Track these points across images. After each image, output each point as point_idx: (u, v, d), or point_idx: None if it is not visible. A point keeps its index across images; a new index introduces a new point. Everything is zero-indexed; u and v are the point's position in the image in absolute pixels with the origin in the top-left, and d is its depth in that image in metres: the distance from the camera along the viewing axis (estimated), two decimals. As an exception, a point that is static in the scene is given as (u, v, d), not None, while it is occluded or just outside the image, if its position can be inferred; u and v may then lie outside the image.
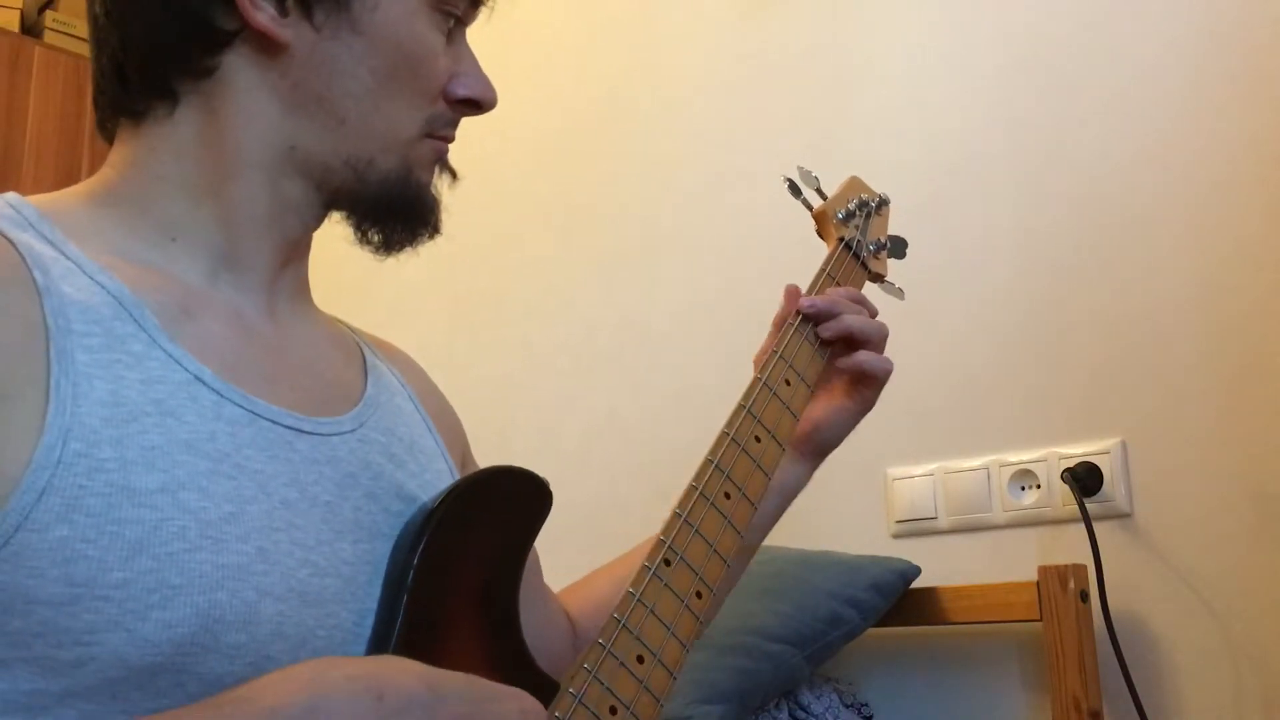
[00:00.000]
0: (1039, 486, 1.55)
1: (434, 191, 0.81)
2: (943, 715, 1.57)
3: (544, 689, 0.70)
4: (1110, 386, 1.53)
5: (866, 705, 1.58)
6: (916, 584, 1.55)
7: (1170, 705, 1.42)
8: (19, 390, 0.62)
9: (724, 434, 0.87)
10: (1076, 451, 1.52)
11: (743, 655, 1.43)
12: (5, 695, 0.61)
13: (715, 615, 0.98)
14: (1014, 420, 1.59)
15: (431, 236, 0.81)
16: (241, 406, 0.70)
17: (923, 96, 1.75)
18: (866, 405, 1.00)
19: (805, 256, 1.15)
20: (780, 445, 0.90)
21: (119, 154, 0.77)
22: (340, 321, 0.90)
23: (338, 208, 0.79)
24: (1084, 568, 1.44)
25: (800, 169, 1.07)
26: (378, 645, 0.71)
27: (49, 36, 2.87)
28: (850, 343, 0.98)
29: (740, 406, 0.89)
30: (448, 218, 0.82)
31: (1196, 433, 1.46)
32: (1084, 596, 1.42)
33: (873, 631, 1.54)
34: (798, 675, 1.47)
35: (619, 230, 2.08)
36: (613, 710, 0.72)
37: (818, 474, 1.01)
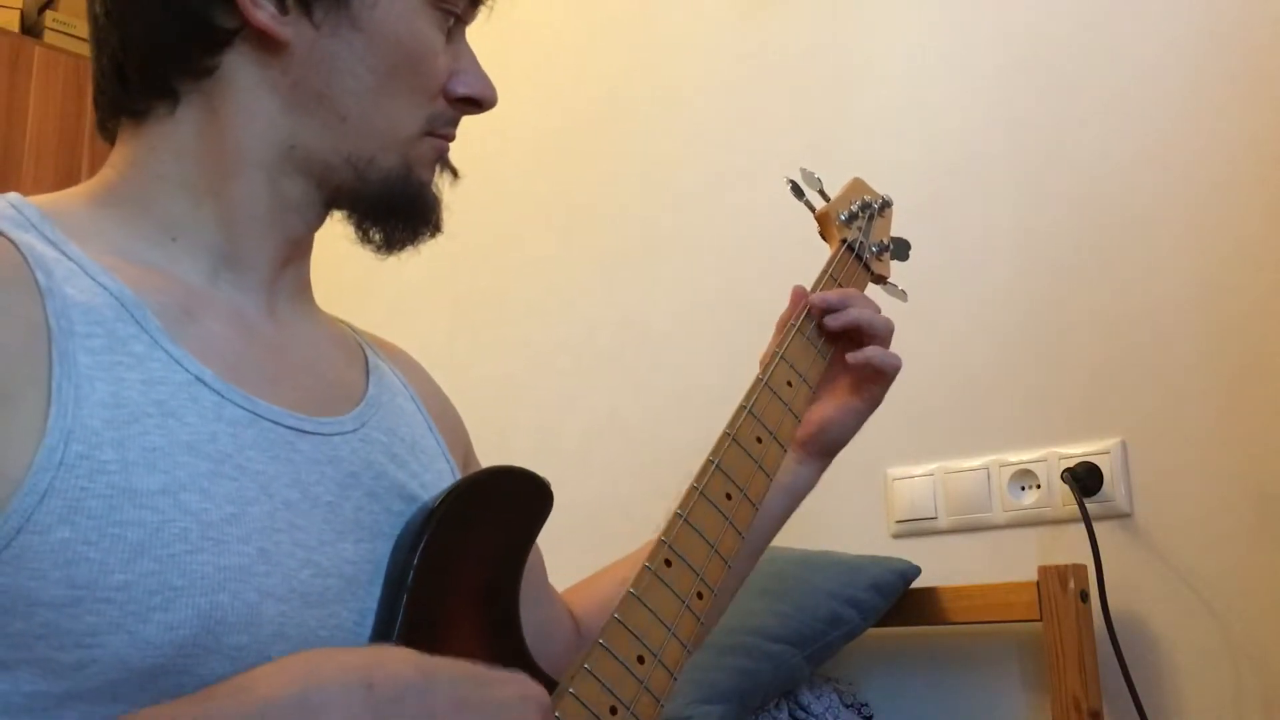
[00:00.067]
0: (1039, 486, 1.55)
1: (435, 190, 0.81)
2: (943, 715, 1.57)
3: (546, 689, 0.70)
4: (1110, 386, 1.53)
5: (866, 705, 1.58)
6: (916, 584, 1.55)
7: (1170, 705, 1.42)
8: (20, 392, 0.61)
9: (725, 435, 0.87)
10: (1076, 451, 1.52)
11: (743, 655, 1.43)
12: (7, 697, 0.61)
13: (720, 616, 0.98)
14: (1014, 420, 1.59)
15: (433, 235, 0.81)
16: (243, 407, 0.70)
17: (923, 96, 1.75)
18: (874, 403, 1.00)
19: (806, 257, 1.15)
20: (782, 446, 0.90)
21: (119, 154, 0.77)
22: (342, 321, 0.90)
23: (338, 206, 0.79)
24: (1084, 568, 1.44)
25: (803, 170, 1.07)
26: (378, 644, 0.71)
27: (49, 36, 2.87)
28: (857, 338, 0.98)
29: (742, 407, 0.89)
30: (448, 217, 0.82)
31: (1196, 433, 1.46)
32: (1084, 596, 1.42)
33: (873, 631, 1.54)
34: (798, 675, 1.47)
35: (619, 230, 2.08)
36: (613, 710, 0.72)
37: (817, 474, 1.02)
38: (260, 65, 0.75)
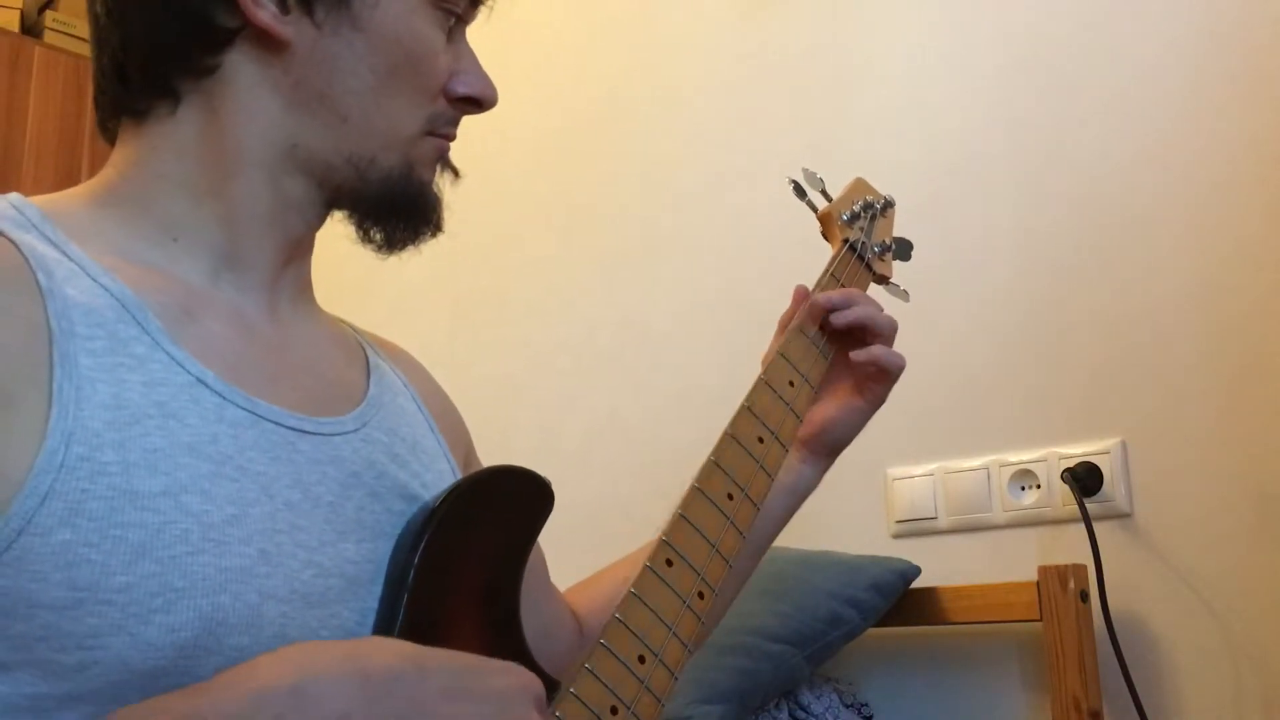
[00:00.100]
0: (1039, 486, 1.55)
1: (436, 190, 0.81)
2: (943, 715, 1.57)
3: (546, 689, 0.70)
4: (1110, 386, 1.53)
5: (866, 705, 1.58)
6: (916, 584, 1.55)
7: (1170, 705, 1.42)
8: (21, 393, 0.61)
9: (727, 434, 0.87)
10: (1076, 451, 1.52)
11: (743, 655, 1.43)
12: (7, 699, 0.60)
13: (722, 616, 0.98)
14: (1014, 420, 1.59)
15: (433, 235, 0.81)
16: (244, 408, 0.70)
17: (923, 96, 1.75)
18: (878, 402, 1.00)
19: (806, 257, 1.15)
20: (784, 446, 0.90)
21: (120, 154, 0.77)
22: (343, 321, 0.90)
23: (339, 206, 0.79)
24: (1084, 568, 1.44)
25: (805, 170, 1.07)
26: (378, 644, 0.71)
27: (49, 36, 2.87)
28: (861, 337, 0.98)
29: (743, 407, 0.89)
30: (448, 217, 0.82)
31: (1196, 433, 1.46)
32: (1084, 596, 1.42)
33: (873, 631, 1.54)
34: (798, 675, 1.47)
35: (619, 230, 2.08)
36: (614, 710, 0.72)
37: (818, 474, 1.02)
38: (261, 65, 0.75)
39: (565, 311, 2.11)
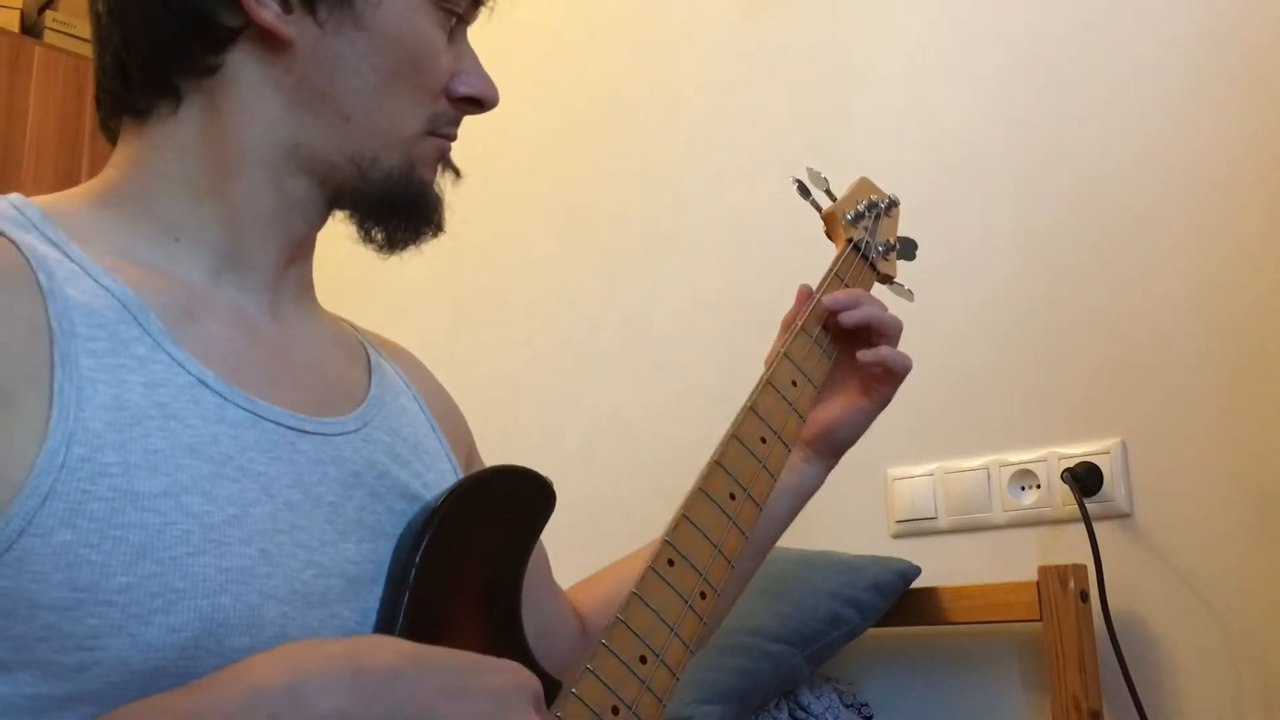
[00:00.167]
0: (1039, 486, 1.55)
1: (437, 189, 0.81)
2: (943, 715, 1.57)
3: (547, 689, 0.70)
4: (1110, 386, 1.53)
5: (866, 705, 1.58)
6: (916, 584, 1.55)
7: (1170, 705, 1.42)
8: (22, 394, 0.61)
9: (730, 434, 0.87)
10: (1076, 451, 1.52)
11: (743, 655, 1.43)
12: (8, 699, 0.60)
13: (724, 617, 0.98)
14: (1014, 420, 1.59)
15: (435, 234, 0.81)
16: (244, 409, 0.70)
17: (923, 96, 1.75)
18: (883, 403, 1.00)
19: (806, 257, 1.15)
20: (786, 446, 0.90)
21: (122, 154, 0.77)
22: (344, 321, 0.90)
23: (341, 206, 0.79)
24: (1084, 568, 1.44)
25: (809, 170, 1.07)
26: (379, 644, 0.71)
27: (49, 36, 2.87)
28: (866, 337, 0.98)
29: (746, 407, 0.89)
30: (449, 216, 0.82)
31: (1196, 433, 1.46)
32: (1084, 596, 1.42)
33: (873, 631, 1.54)
34: (798, 675, 1.47)
35: (620, 230, 2.08)
36: (615, 710, 0.72)
37: (818, 474, 1.02)
38: (264, 64, 0.74)
39: (566, 311, 2.11)
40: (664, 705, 0.74)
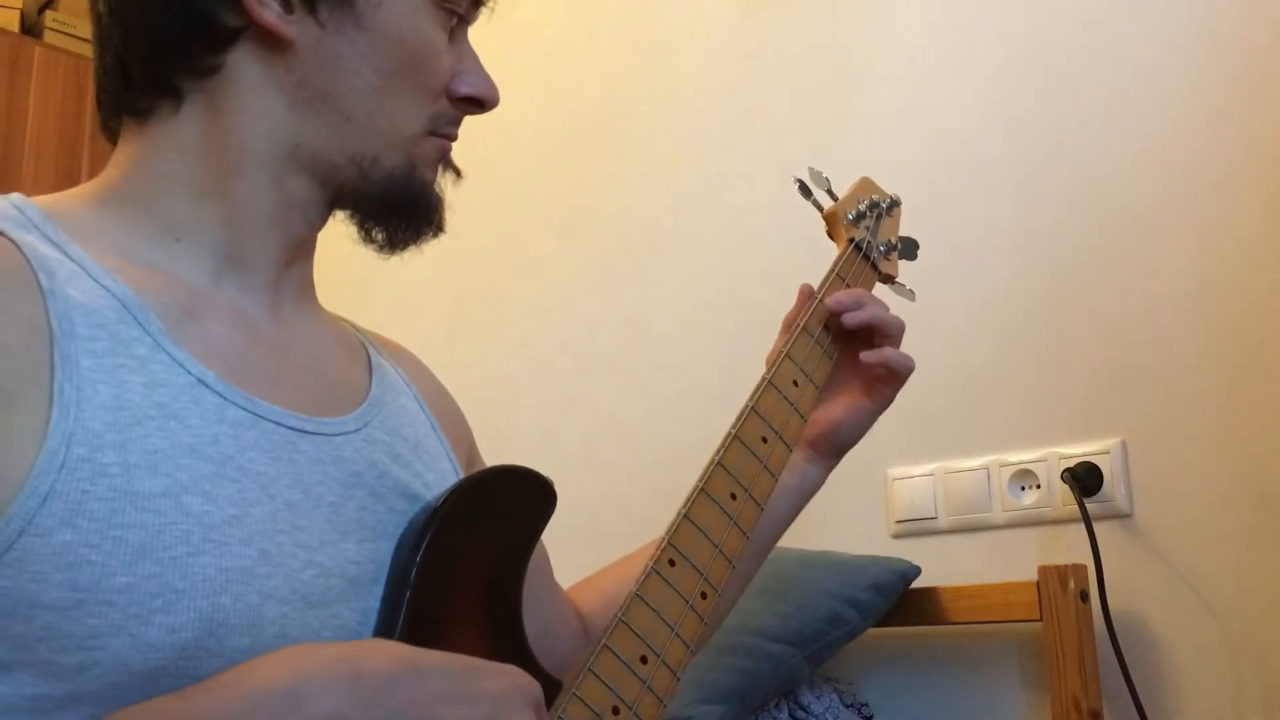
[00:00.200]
0: (1039, 486, 1.55)
1: (438, 189, 0.81)
2: (943, 715, 1.57)
3: (547, 689, 0.70)
4: (1110, 386, 1.53)
5: (866, 705, 1.58)
6: (916, 584, 1.55)
7: (1170, 705, 1.42)
8: (22, 394, 0.61)
9: (731, 434, 0.87)
10: (1076, 451, 1.52)
11: (743, 655, 1.44)
12: (8, 699, 0.60)
13: (725, 617, 0.98)
14: (1014, 420, 1.59)
15: (435, 234, 0.81)
16: (244, 409, 0.70)
17: (923, 96, 1.75)
18: (885, 403, 1.00)
19: (806, 257, 1.15)
20: (788, 446, 0.90)
21: (122, 154, 0.77)
22: (345, 321, 0.90)
23: (342, 206, 0.79)
24: (1084, 568, 1.44)
25: (811, 170, 1.07)
26: (380, 644, 0.71)
27: (49, 36, 2.87)
28: (868, 337, 0.98)
29: (748, 407, 0.89)
30: (450, 217, 0.82)
31: (1196, 433, 1.46)
32: (1084, 596, 1.42)
33: (873, 631, 1.54)
34: (798, 675, 1.47)
35: (620, 230, 2.08)
36: (616, 710, 0.72)
37: (818, 474, 1.02)
38: (265, 64, 0.74)
39: (566, 312, 2.11)
40: (665, 705, 0.74)
